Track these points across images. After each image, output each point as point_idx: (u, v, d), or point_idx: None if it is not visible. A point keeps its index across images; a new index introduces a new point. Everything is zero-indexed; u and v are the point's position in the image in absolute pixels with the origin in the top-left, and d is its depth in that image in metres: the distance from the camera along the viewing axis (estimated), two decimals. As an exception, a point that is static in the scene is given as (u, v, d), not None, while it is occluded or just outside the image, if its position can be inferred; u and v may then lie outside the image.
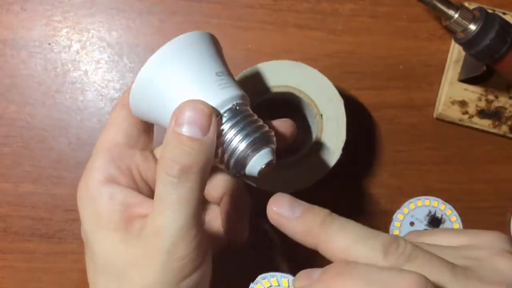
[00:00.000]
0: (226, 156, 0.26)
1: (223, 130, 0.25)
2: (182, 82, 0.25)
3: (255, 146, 0.25)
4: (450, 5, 0.36)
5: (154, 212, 0.24)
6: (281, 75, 0.37)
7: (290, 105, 0.41)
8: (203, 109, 0.24)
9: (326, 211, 0.23)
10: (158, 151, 0.30)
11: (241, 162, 0.25)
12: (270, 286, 0.25)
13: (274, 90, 0.37)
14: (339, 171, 0.37)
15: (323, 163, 0.37)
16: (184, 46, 0.26)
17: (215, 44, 0.28)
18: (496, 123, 0.41)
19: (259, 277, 0.25)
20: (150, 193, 0.29)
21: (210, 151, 0.24)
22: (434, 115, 0.42)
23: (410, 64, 0.42)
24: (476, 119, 0.41)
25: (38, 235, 0.41)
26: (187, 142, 0.23)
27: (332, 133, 0.37)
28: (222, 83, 0.26)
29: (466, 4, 0.40)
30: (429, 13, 0.42)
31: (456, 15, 0.36)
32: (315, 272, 0.22)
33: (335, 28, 0.42)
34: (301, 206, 0.24)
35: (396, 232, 0.42)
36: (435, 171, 0.43)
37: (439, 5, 0.36)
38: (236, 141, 0.25)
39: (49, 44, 0.41)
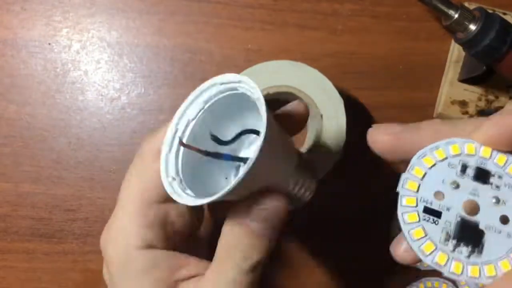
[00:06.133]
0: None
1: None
2: (259, 180, 0.23)
3: (309, 185, 0.27)
4: (450, 5, 0.36)
5: None
6: (281, 75, 0.37)
7: (290, 105, 0.41)
8: (279, 211, 0.24)
9: (435, 119, 0.22)
10: None
11: (296, 204, 0.27)
12: (446, 158, 0.20)
13: (274, 90, 0.37)
14: (339, 171, 0.36)
15: (323, 163, 0.37)
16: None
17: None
18: (496, 123, 0.41)
19: (425, 149, 0.20)
20: (183, 243, 0.28)
21: (276, 241, 0.25)
22: (434, 115, 0.42)
23: (410, 64, 0.42)
24: (476, 119, 0.41)
25: (38, 235, 0.41)
26: (260, 239, 0.24)
27: (332, 133, 0.37)
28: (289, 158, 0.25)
29: (466, 4, 0.40)
30: (429, 13, 0.42)
31: (456, 15, 0.36)
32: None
33: (335, 28, 0.42)
34: (408, 124, 0.22)
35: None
36: (435, 171, 0.42)
37: (439, 5, 0.36)
38: (295, 192, 0.26)
39: (49, 44, 0.41)
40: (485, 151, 0.19)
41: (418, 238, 0.19)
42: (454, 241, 0.19)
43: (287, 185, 0.25)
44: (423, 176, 0.19)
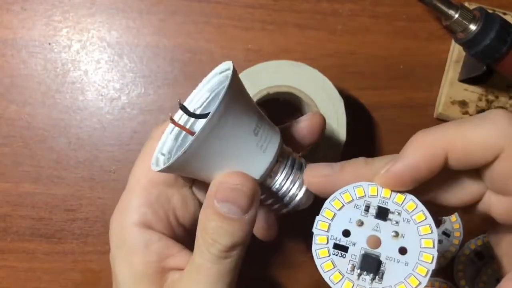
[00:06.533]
0: (270, 201, 0.26)
1: (269, 184, 0.26)
2: (224, 155, 0.23)
3: (300, 186, 0.26)
4: (450, 5, 0.36)
5: (189, 280, 0.24)
6: (281, 75, 0.37)
7: (290, 105, 0.41)
8: (245, 190, 0.23)
9: (360, 157, 0.24)
10: (196, 188, 0.29)
11: (288, 203, 0.26)
12: (352, 200, 0.23)
13: (274, 90, 0.37)
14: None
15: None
16: (224, 117, 0.22)
17: (239, 81, 0.25)
18: (496, 123, 0.41)
19: (336, 193, 0.23)
20: (185, 237, 0.28)
21: (251, 227, 0.24)
22: (434, 115, 0.42)
23: (410, 64, 0.42)
24: (476, 119, 0.41)
25: (38, 235, 0.41)
26: (228, 221, 0.23)
27: (332, 133, 0.37)
28: (261, 140, 0.24)
29: (466, 4, 0.40)
30: (429, 13, 0.42)
31: (456, 15, 0.36)
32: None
33: (335, 28, 0.42)
34: (335, 163, 0.24)
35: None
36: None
37: (439, 5, 0.36)
38: (284, 189, 0.26)
39: (49, 44, 0.41)
40: (385, 192, 0.23)
41: (328, 270, 0.22)
42: (358, 271, 0.22)
43: (261, 173, 0.25)
44: (333, 217, 0.23)
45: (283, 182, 0.26)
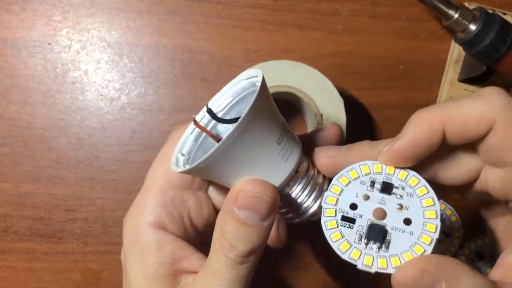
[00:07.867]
0: (284, 209, 0.27)
1: (285, 193, 0.26)
2: (247, 161, 0.23)
3: (316, 198, 0.26)
4: (450, 5, 0.36)
5: (204, 283, 0.24)
6: (281, 75, 0.37)
7: (290, 105, 0.41)
8: (266, 198, 0.24)
9: (365, 140, 0.26)
10: (212, 192, 0.29)
11: (302, 214, 0.27)
12: (358, 177, 0.24)
13: (274, 90, 0.37)
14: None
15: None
16: (252, 125, 0.22)
17: (267, 90, 0.25)
18: (496, 123, 0.41)
19: (343, 171, 0.24)
20: (198, 240, 0.28)
21: (268, 234, 0.24)
22: (434, 115, 0.42)
23: (410, 64, 0.42)
24: (476, 119, 0.41)
25: (38, 235, 0.41)
26: (246, 228, 0.23)
27: (332, 133, 0.37)
28: (284, 150, 0.25)
29: (466, 4, 0.40)
30: (429, 13, 0.42)
31: (456, 15, 0.36)
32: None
33: (335, 28, 0.42)
34: (342, 146, 0.26)
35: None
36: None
37: (439, 5, 0.36)
38: (300, 200, 0.26)
39: (49, 44, 0.41)
40: (389, 169, 0.24)
41: (336, 240, 0.23)
42: (365, 240, 0.23)
43: (281, 180, 0.25)
44: (340, 192, 0.24)
45: (300, 192, 0.26)
